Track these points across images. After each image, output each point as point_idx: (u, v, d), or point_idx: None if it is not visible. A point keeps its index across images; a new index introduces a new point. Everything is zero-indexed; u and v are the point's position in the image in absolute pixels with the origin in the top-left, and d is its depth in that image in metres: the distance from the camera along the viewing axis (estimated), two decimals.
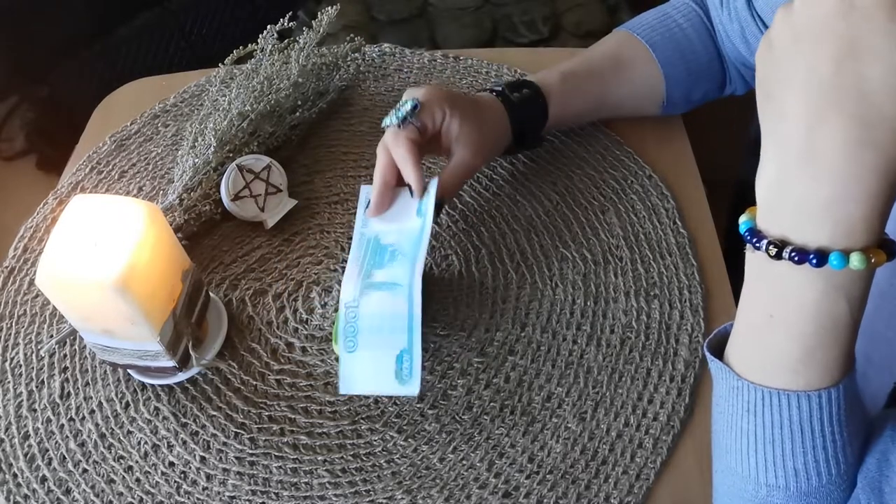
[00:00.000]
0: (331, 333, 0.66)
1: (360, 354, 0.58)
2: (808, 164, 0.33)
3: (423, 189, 0.62)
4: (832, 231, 0.34)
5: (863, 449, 0.42)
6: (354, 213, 0.75)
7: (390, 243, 0.62)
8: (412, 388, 0.56)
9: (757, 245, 0.37)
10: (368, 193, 0.64)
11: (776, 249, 0.36)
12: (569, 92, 0.72)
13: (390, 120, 0.63)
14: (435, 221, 0.60)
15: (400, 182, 0.64)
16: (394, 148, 0.63)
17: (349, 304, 0.59)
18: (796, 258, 0.35)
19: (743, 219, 0.39)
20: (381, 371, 0.57)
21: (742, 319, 0.41)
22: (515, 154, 0.77)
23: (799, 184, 0.34)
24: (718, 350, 0.44)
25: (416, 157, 0.62)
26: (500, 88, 0.70)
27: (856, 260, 0.34)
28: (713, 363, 0.43)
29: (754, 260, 0.38)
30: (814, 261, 0.34)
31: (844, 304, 0.37)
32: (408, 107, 0.63)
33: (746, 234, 0.38)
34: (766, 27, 0.68)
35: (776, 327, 0.38)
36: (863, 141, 0.32)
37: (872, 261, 0.34)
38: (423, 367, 0.63)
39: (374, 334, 0.58)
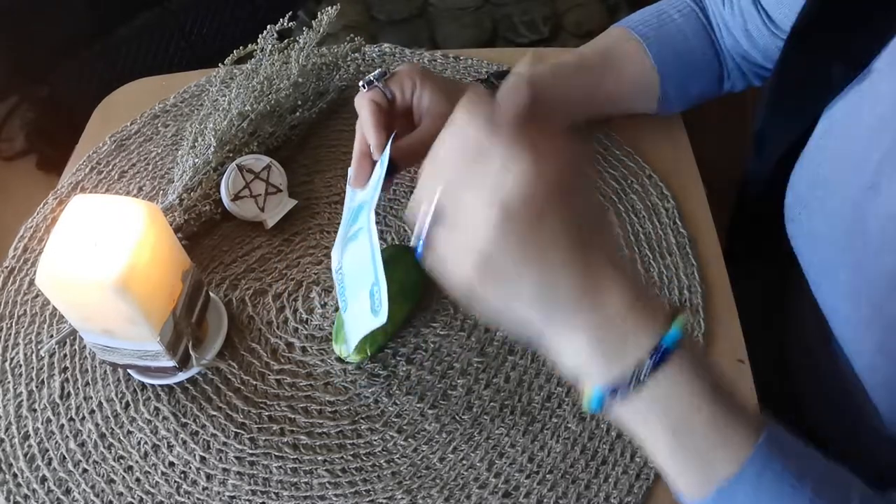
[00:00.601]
0: (331, 333, 0.66)
1: (350, 308, 0.59)
2: (592, 312, 0.39)
3: (382, 149, 0.62)
4: (649, 332, 0.39)
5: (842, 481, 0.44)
6: None
7: (360, 200, 0.63)
8: (381, 318, 0.54)
9: (623, 395, 0.40)
10: None
11: (637, 383, 0.39)
12: (557, 84, 0.72)
13: (359, 85, 0.65)
14: (387, 178, 0.60)
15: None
16: (359, 110, 0.64)
17: (336, 269, 0.61)
18: (652, 366, 0.39)
19: (586, 400, 0.41)
20: (363, 312, 0.57)
21: (660, 456, 0.42)
22: None
23: (612, 334, 0.40)
24: None
25: (377, 118, 0.63)
26: (485, 77, 0.70)
27: (681, 322, 0.39)
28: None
29: (626, 407, 0.41)
30: (664, 354, 0.39)
31: (705, 361, 0.41)
32: (376, 73, 0.65)
33: (609, 395, 0.40)
34: (772, 21, 0.67)
35: (684, 435, 0.41)
36: (596, 278, 0.39)
37: (685, 314, 0.40)
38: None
39: (353, 282, 0.59)
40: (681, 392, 0.40)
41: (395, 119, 0.65)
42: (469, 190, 0.38)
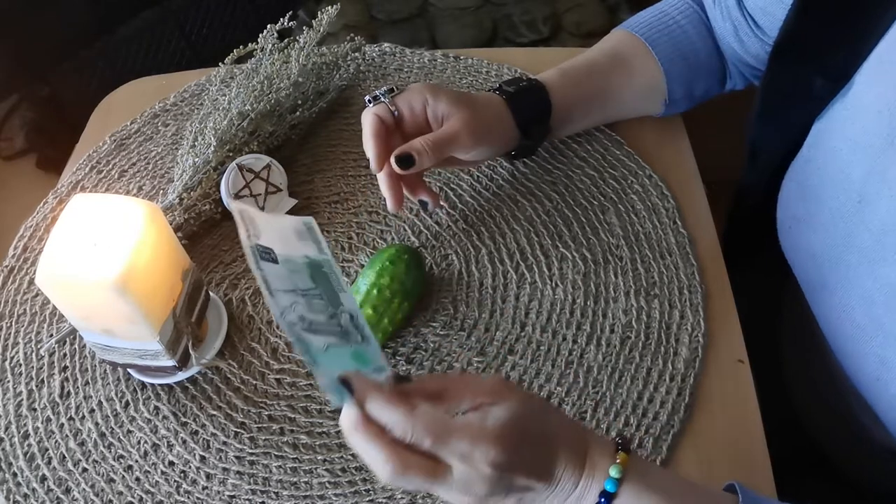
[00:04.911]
0: None
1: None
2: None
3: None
4: (596, 486, 0.46)
5: None
6: (355, 212, 0.75)
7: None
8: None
9: None
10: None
11: None
12: (568, 85, 0.71)
13: (365, 100, 0.66)
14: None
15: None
16: (363, 123, 0.65)
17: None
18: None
19: None
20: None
21: None
22: (531, 153, 0.76)
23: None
24: None
25: (378, 131, 0.64)
26: (497, 86, 0.70)
27: (617, 469, 0.46)
28: None
29: None
30: (609, 496, 0.46)
31: (656, 477, 0.47)
32: (383, 89, 0.65)
33: None
34: (759, 27, 0.68)
35: None
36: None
37: (621, 459, 0.46)
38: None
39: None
40: None
41: (404, 136, 0.65)
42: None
